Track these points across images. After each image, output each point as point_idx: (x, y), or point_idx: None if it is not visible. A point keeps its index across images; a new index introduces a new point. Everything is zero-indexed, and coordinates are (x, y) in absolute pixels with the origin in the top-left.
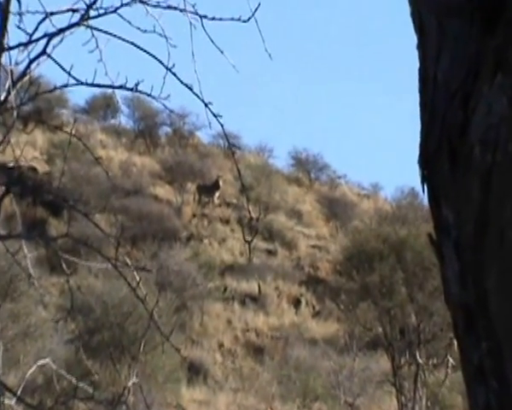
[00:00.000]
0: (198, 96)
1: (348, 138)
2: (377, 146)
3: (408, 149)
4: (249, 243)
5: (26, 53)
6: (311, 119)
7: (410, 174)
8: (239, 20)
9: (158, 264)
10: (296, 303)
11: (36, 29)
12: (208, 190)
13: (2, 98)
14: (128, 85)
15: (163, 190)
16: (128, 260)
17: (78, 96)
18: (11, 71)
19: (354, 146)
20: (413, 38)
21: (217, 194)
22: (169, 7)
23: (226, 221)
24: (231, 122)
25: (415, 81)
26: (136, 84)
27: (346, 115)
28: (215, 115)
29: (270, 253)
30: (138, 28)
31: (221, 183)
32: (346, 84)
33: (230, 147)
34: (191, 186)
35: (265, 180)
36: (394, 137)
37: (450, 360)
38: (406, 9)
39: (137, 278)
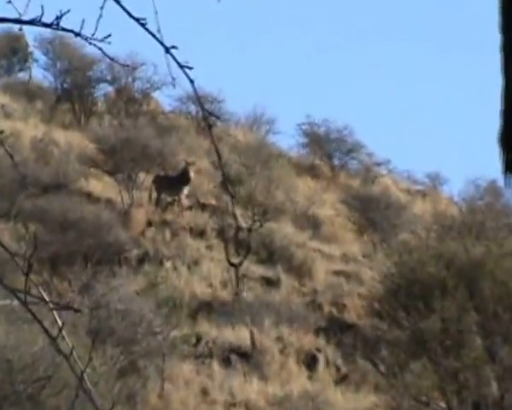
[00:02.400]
0: (154, 36)
1: (392, 110)
2: (437, 120)
3: (484, 124)
4: (237, 266)
5: None
6: (333, 82)
7: (488, 160)
8: None
9: (92, 300)
10: (311, 362)
11: None
12: (172, 184)
13: None
14: (45, 20)
15: (100, 184)
16: (44, 295)
17: None
18: None
19: (401, 121)
20: None
21: (185, 191)
22: None
23: (200, 233)
24: (209, 79)
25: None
26: (58, 18)
27: (388, 80)
28: (181, 66)
29: (270, 282)
30: None
31: (192, 173)
32: (387, 41)
33: (206, 116)
34: (145, 178)
35: (262, 169)
36: (463, 108)
37: None
38: None
39: (59, 323)
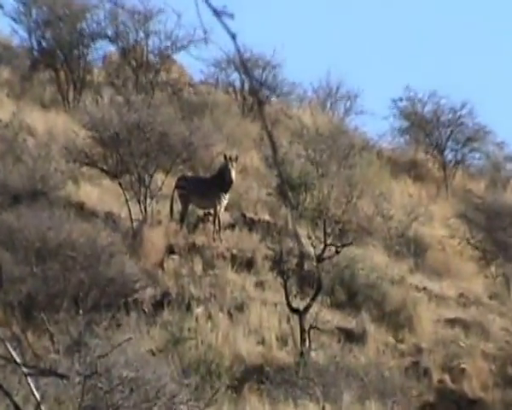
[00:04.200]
0: None
1: None
2: None
3: None
4: (301, 313)
5: None
6: (443, 43)
7: None
8: None
9: (85, 363)
10: None
11: None
12: (205, 189)
13: None
14: None
15: (97, 191)
16: (15, 354)
17: None
18: None
19: None
20: None
21: (224, 200)
22: None
23: (247, 264)
24: (261, 38)
25: None
26: None
27: None
28: (217, 12)
29: (351, 337)
30: None
31: (234, 174)
32: None
33: (255, 88)
34: (164, 181)
35: (339, 167)
36: None
37: None
38: None
39: (37, 396)
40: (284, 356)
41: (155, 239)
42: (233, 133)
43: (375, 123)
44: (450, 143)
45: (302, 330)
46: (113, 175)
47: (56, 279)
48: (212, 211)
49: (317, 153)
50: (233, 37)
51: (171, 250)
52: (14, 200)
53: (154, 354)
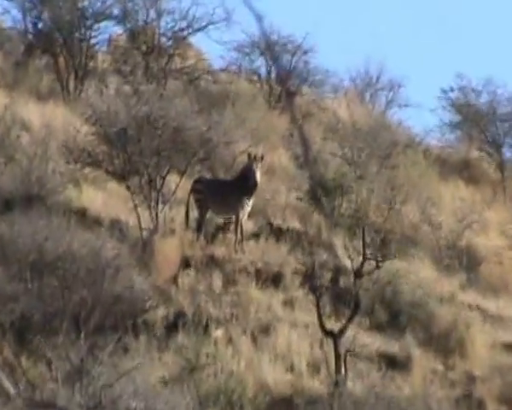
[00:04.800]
0: None
1: None
2: None
3: None
4: (336, 336)
5: None
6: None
7: None
8: None
9: (88, 394)
10: None
11: None
12: (226, 193)
13: None
14: None
15: (101, 196)
16: (8, 383)
17: None
18: None
19: None
20: None
21: (248, 205)
22: None
23: (274, 279)
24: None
25: None
26: None
27: None
28: None
29: (394, 363)
30: None
31: (259, 175)
32: None
33: (283, 76)
34: (178, 184)
35: (380, 167)
36: None
37: None
38: None
39: None
40: (316, 386)
41: (168, 251)
42: (258, 128)
43: (422, 117)
44: (508, 140)
45: (337, 356)
46: (120, 177)
47: (54, 297)
48: (233, 218)
49: (355, 151)
50: (258, 17)
51: (186, 264)
52: (6, 206)
53: (166, 384)
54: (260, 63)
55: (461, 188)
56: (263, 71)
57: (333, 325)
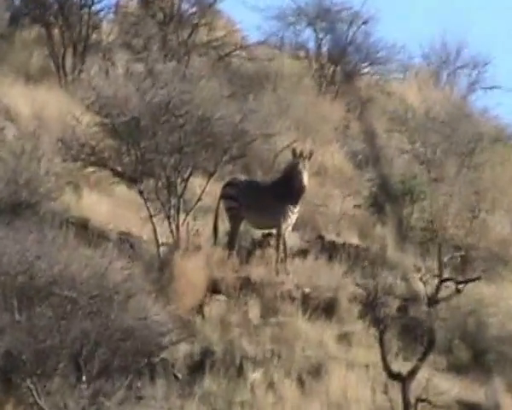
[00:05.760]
0: None
1: None
2: None
3: None
4: (405, 379)
5: None
6: None
7: None
8: None
9: None
10: None
11: None
12: (265, 199)
13: None
14: None
15: (107, 202)
16: None
17: None
18: None
19: None
20: None
21: (293, 214)
22: None
23: (326, 308)
24: None
25: None
26: None
27: None
28: None
29: None
30: None
31: (306, 175)
32: None
33: (338, 54)
34: (204, 187)
35: (460, 166)
36: None
37: None
38: None
39: None
40: None
41: (192, 272)
42: (305, 118)
43: None
44: None
45: (406, 404)
46: (131, 180)
47: (48, 331)
48: (274, 231)
49: (429, 147)
50: None
51: (215, 288)
52: None
53: None
54: (308, 35)
55: None
56: (311, 45)
57: (400, 365)
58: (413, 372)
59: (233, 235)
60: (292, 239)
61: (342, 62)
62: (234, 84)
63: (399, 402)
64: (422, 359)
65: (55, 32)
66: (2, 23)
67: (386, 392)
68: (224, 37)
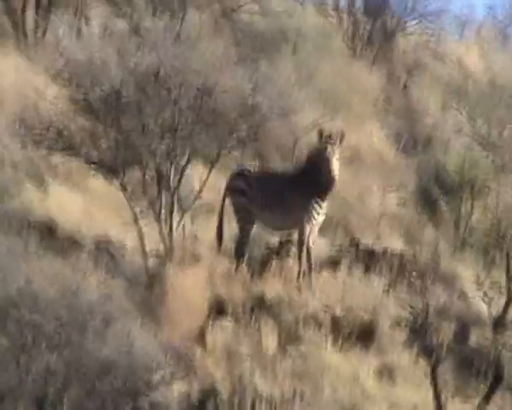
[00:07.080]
0: None
1: None
2: None
3: None
4: None
5: None
6: None
7: None
8: None
9: None
10: None
11: None
12: (284, 194)
13: None
14: None
15: (76, 198)
16: None
17: None
18: None
19: None
20: None
21: (319, 214)
22: None
23: (361, 335)
24: None
25: None
26: None
27: None
28: None
29: None
30: None
31: (336, 163)
32: None
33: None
34: (206, 175)
35: None
36: None
37: None
38: None
39: None
40: None
41: (190, 290)
42: (334, 89)
43: None
44: None
45: None
46: (111, 170)
47: (5, 366)
48: (295, 236)
49: (494, 126)
50: None
51: (219, 311)
52: None
53: None
54: None
55: None
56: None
57: (458, 407)
58: None
59: (242, 241)
60: (318, 246)
61: (382, 18)
62: (243, 45)
63: None
64: (487, 398)
65: None
66: None
67: None
68: None
